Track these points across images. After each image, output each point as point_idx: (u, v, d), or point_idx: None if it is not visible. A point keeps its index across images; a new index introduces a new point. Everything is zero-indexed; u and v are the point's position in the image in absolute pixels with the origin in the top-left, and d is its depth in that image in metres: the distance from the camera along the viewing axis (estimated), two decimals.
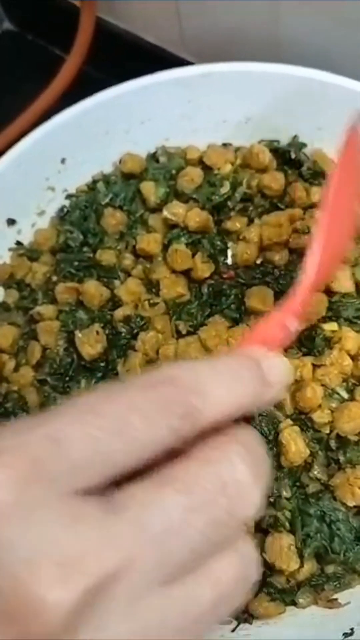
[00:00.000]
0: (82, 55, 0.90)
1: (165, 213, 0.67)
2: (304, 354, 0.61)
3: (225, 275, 0.65)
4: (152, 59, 0.91)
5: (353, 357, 0.60)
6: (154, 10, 0.87)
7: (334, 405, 0.59)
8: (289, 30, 0.77)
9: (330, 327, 0.62)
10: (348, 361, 0.60)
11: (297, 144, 0.72)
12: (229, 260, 0.67)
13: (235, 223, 0.68)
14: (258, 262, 0.66)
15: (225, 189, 0.68)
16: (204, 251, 0.66)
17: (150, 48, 0.92)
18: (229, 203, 0.69)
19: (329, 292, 0.63)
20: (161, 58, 0.91)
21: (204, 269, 0.64)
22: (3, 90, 0.97)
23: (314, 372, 0.60)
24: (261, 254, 0.67)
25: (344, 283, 0.63)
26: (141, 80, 0.71)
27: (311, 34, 0.75)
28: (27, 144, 0.69)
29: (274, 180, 0.69)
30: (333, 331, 0.61)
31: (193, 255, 0.66)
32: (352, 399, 0.59)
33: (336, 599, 0.55)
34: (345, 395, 0.59)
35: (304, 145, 0.72)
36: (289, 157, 0.71)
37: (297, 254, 0.66)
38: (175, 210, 0.67)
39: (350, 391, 0.60)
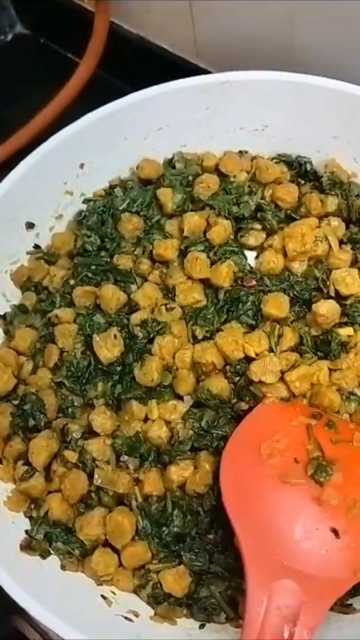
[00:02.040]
0: (96, 60, 0.90)
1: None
2: (320, 359, 0.62)
3: (248, 284, 0.65)
4: (165, 64, 0.92)
5: None
6: (168, 17, 0.88)
7: (352, 408, 0.59)
8: (303, 38, 0.78)
9: (345, 331, 0.62)
10: None
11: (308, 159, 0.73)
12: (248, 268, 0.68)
13: (256, 237, 0.69)
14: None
15: (247, 209, 0.69)
16: (225, 260, 0.66)
17: (164, 53, 0.92)
18: (245, 213, 0.69)
19: (340, 297, 0.64)
20: (174, 64, 0.92)
21: (225, 279, 0.65)
22: (16, 93, 0.98)
23: (331, 376, 0.61)
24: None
25: (352, 286, 0.64)
26: (160, 87, 0.72)
27: (325, 42, 0.76)
28: (47, 148, 0.70)
29: (288, 193, 0.70)
30: (349, 336, 0.62)
31: (211, 264, 0.66)
32: None
33: (351, 605, 0.55)
34: None
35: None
36: (304, 170, 0.72)
37: (314, 261, 0.67)
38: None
39: None
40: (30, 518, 0.60)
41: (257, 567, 0.50)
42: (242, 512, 0.52)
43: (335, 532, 0.51)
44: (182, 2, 0.83)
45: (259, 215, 0.70)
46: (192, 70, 0.89)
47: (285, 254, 0.67)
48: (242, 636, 0.48)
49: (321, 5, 0.72)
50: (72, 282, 0.69)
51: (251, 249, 0.69)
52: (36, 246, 0.73)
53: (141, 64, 0.93)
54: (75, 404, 0.64)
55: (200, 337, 0.64)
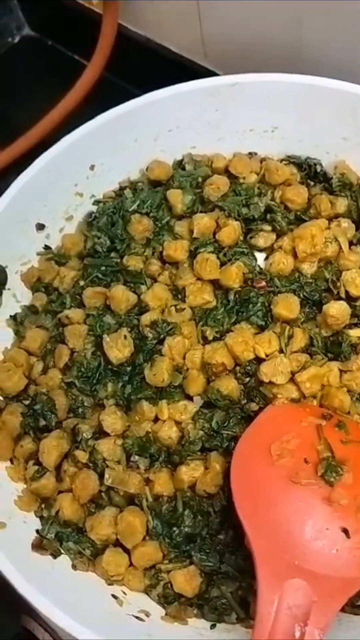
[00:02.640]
0: (103, 62, 0.91)
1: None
2: (330, 360, 0.62)
3: (257, 285, 0.65)
4: (173, 66, 0.92)
5: None
6: (175, 18, 0.88)
7: None
8: (311, 39, 0.78)
9: (356, 333, 0.63)
10: None
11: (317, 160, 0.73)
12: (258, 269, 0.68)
13: (265, 239, 0.69)
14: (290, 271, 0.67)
15: (257, 211, 0.69)
16: (235, 261, 0.66)
17: (171, 56, 0.93)
18: (255, 215, 0.70)
19: (350, 298, 0.64)
20: (182, 65, 0.92)
21: (235, 280, 0.65)
22: (23, 95, 0.98)
23: (341, 378, 0.61)
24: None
25: None
26: (170, 89, 0.72)
27: (334, 43, 0.76)
28: (57, 150, 0.70)
29: (298, 194, 0.70)
30: (359, 337, 0.62)
31: (221, 265, 0.67)
32: None
33: None
34: None
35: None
36: (314, 171, 0.72)
37: (324, 262, 0.67)
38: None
39: None
40: (41, 518, 0.61)
41: (268, 567, 0.50)
42: (253, 512, 0.52)
43: (345, 532, 0.51)
44: (189, 4, 0.83)
45: (268, 216, 0.70)
46: (199, 72, 0.89)
47: (295, 255, 0.67)
48: (253, 636, 0.48)
49: (330, 6, 0.72)
50: (82, 283, 0.69)
51: (261, 250, 0.70)
52: (46, 247, 0.73)
53: (149, 66, 0.93)
54: (86, 404, 0.64)
55: (210, 337, 0.65)
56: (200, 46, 0.90)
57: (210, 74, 0.87)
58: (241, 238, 0.69)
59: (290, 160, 0.73)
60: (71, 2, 0.97)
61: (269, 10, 0.77)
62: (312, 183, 0.72)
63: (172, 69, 0.92)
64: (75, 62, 1.03)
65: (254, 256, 0.69)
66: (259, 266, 0.68)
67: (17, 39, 1.08)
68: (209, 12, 0.84)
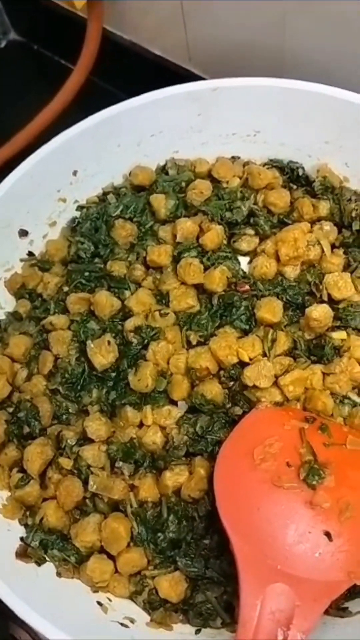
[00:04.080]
0: (89, 66, 0.91)
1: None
2: (313, 362, 0.62)
3: (241, 289, 0.65)
4: (158, 70, 0.92)
5: None
6: (160, 22, 0.88)
7: (346, 411, 0.60)
8: (294, 43, 0.78)
9: (339, 335, 0.63)
10: (358, 368, 0.61)
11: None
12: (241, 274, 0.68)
13: (249, 243, 0.69)
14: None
15: (240, 215, 0.69)
16: (218, 265, 0.67)
17: (156, 59, 0.93)
18: (238, 219, 0.70)
19: (333, 301, 0.64)
20: (167, 69, 0.92)
21: (218, 284, 0.65)
22: (9, 100, 0.98)
23: (324, 380, 0.61)
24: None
25: (344, 290, 0.64)
26: (152, 94, 0.72)
27: (317, 48, 0.77)
28: (40, 155, 0.70)
29: (280, 198, 0.70)
30: (342, 340, 0.62)
31: (205, 269, 0.67)
32: None
33: (347, 608, 0.55)
34: (357, 399, 0.60)
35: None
36: (296, 175, 0.72)
37: (306, 265, 0.67)
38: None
39: None
40: (26, 525, 0.61)
41: (250, 571, 0.50)
42: (236, 517, 0.52)
43: (328, 535, 0.51)
44: (174, 8, 0.84)
45: (251, 220, 0.70)
46: (184, 76, 0.89)
47: (278, 259, 0.67)
48: None
49: (313, 11, 0.72)
50: (66, 288, 0.69)
51: (244, 254, 0.70)
52: (30, 253, 0.73)
53: (134, 70, 0.93)
54: (70, 410, 0.64)
55: (194, 342, 0.65)
56: (185, 50, 0.90)
57: (195, 77, 0.87)
58: (224, 242, 0.69)
59: (273, 164, 0.74)
60: (57, 7, 0.97)
61: (252, 14, 0.78)
62: (294, 186, 0.73)
63: (157, 72, 0.92)
64: (61, 66, 1.03)
65: (237, 260, 0.69)
66: (242, 270, 0.69)
67: (3, 44, 1.08)
68: (194, 16, 0.84)
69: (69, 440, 0.62)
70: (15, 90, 1.00)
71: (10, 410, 0.65)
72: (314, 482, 0.53)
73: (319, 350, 0.62)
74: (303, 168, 0.73)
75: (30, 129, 0.88)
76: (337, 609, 0.55)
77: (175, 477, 0.59)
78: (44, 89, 0.90)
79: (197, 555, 0.57)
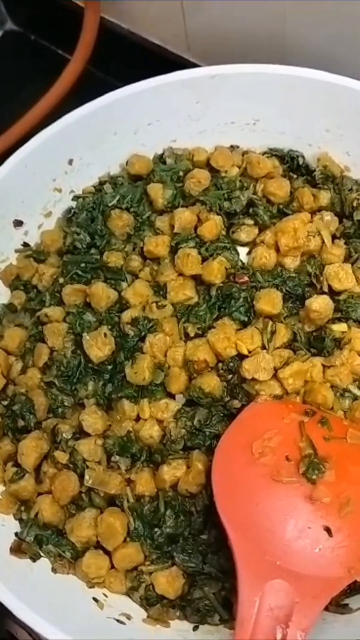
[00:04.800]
0: (86, 56, 0.89)
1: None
2: (313, 355, 0.61)
3: (240, 280, 0.64)
4: (157, 59, 0.91)
5: None
6: (159, 11, 0.87)
7: (346, 405, 0.59)
8: (295, 31, 0.77)
9: (339, 327, 0.62)
10: (359, 361, 0.60)
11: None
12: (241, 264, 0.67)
13: (248, 233, 0.68)
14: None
15: (239, 204, 0.68)
16: (217, 256, 0.65)
17: (155, 48, 0.91)
18: (237, 209, 0.69)
19: (333, 292, 0.63)
20: (165, 58, 0.90)
21: (217, 275, 0.64)
22: (6, 90, 0.97)
23: (324, 373, 0.60)
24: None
25: (345, 282, 0.63)
26: (149, 82, 0.71)
27: (317, 35, 0.75)
28: (35, 144, 0.69)
29: (280, 187, 0.69)
30: (343, 332, 0.61)
31: (203, 260, 0.65)
32: None
33: (347, 604, 0.54)
34: (358, 392, 0.59)
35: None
36: (297, 164, 0.71)
37: (306, 256, 0.66)
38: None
39: None
40: (20, 520, 0.60)
41: (249, 568, 0.49)
42: (234, 512, 0.51)
43: (328, 530, 0.50)
44: None
45: (250, 210, 0.69)
46: (183, 65, 0.87)
47: (277, 250, 0.66)
48: (234, 638, 0.47)
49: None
50: (61, 280, 0.68)
51: (243, 244, 0.69)
52: (25, 244, 0.72)
53: (132, 60, 0.92)
54: (66, 403, 0.63)
55: (192, 334, 0.63)
56: (184, 39, 0.89)
57: (194, 67, 0.85)
58: (223, 232, 0.68)
59: (272, 152, 0.72)
60: None
61: (252, 2, 0.76)
62: (294, 176, 0.71)
63: (155, 62, 0.90)
64: (59, 56, 1.01)
65: (236, 251, 0.68)
66: (241, 261, 0.67)
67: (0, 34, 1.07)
68: (193, 5, 0.83)
69: (64, 434, 0.61)
70: (12, 80, 0.99)
71: (5, 403, 0.64)
72: (314, 477, 0.52)
73: (319, 343, 0.61)
74: (303, 157, 0.72)
75: (27, 119, 0.87)
76: (337, 605, 0.54)
77: (172, 471, 0.58)
78: (41, 79, 0.89)
79: (195, 550, 0.57)
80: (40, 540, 0.58)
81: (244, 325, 0.63)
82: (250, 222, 0.69)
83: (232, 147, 0.74)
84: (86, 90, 0.86)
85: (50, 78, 0.87)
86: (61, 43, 1.00)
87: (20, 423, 0.62)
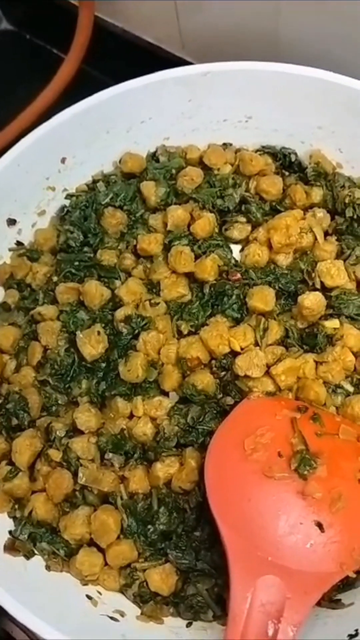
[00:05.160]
0: (81, 55, 0.89)
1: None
2: (306, 351, 0.61)
3: (232, 278, 0.64)
4: (151, 58, 0.91)
5: (356, 354, 0.60)
6: (153, 10, 0.87)
7: (338, 401, 0.59)
8: (288, 28, 0.77)
9: (332, 324, 0.62)
10: (351, 357, 0.60)
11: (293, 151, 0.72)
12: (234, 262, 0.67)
13: (240, 230, 0.68)
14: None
15: (232, 202, 0.68)
16: (210, 254, 0.65)
17: (149, 47, 0.91)
18: (230, 206, 0.69)
19: (325, 289, 0.63)
20: (159, 57, 0.91)
21: (210, 272, 0.64)
22: (2, 90, 0.97)
23: (317, 369, 0.60)
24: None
25: (337, 278, 0.63)
26: (142, 79, 0.71)
27: (311, 33, 0.75)
28: (27, 143, 0.69)
29: (272, 185, 0.69)
30: (335, 328, 0.61)
31: (196, 258, 0.65)
32: (357, 392, 0.59)
33: (340, 600, 0.54)
34: (350, 388, 0.59)
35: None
36: (289, 161, 0.71)
37: (299, 253, 0.66)
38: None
39: (356, 385, 0.60)
40: (14, 518, 0.60)
41: (241, 564, 0.49)
42: (226, 508, 0.51)
43: (320, 526, 0.50)
44: None
45: (243, 207, 0.69)
46: (178, 63, 0.87)
47: (270, 247, 0.66)
48: (225, 634, 0.47)
49: None
50: (55, 278, 0.68)
51: (236, 242, 0.69)
52: (18, 243, 0.72)
53: (127, 58, 0.92)
54: (59, 402, 0.63)
55: (185, 332, 0.64)
56: (178, 37, 0.89)
57: (188, 65, 0.86)
58: (216, 230, 0.68)
59: (265, 150, 0.72)
60: None
61: (246, 1, 0.76)
62: (287, 173, 0.71)
63: (149, 60, 0.90)
64: (54, 55, 1.02)
65: (229, 248, 0.68)
66: (234, 258, 0.67)
67: None
68: (186, 4, 0.83)
69: (58, 432, 0.61)
70: (6, 79, 0.99)
71: None
72: (306, 472, 0.52)
73: (311, 339, 0.61)
74: (296, 154, 0.72)
75: (22, 119, 0.87)
76: (329, 600, 0.54)
77: (166, 468, 0.58)
78: (36, 78, 0.89)
79: (188, 547, 0.57)
80: (34, 538, 0.58)
81: (236, 322, 0.63)
82: (243, 219, 0.69)
83: (225, 145, 0.74)
84: (81, 89, 0.85)
85: (45, 77, 0.88)
86: (56, 42, 1.00)
87: (14, 421, 0.62)
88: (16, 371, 0.65)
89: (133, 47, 0.92)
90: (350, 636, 0.51)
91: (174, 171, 0.71)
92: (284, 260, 0.65)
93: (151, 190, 0.70)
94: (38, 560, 0.58)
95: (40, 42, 1.04)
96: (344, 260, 0.64)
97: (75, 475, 0.59)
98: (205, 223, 0.67)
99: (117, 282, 0.67)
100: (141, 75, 0.72)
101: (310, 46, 0.76)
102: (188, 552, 0.56)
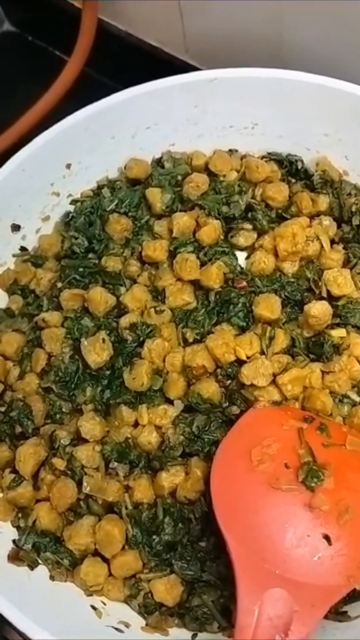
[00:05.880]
0: (84, 57, 0.89)
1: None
2: (312, 361, 0.61)
3: (238, 285, 0.64)
4: (154, 61, 0.91)
5: None
6: (156, 13, 0.87)
7: (345, 411, 0.59)
8: (293, 34, 0.77)
9: (338, 333, 0.61)
10: (358, 367, 0.60)
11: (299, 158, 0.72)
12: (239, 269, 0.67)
13: (246, 238, 0.68)
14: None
15: (238, 209, 0.68)
16: (215, 261, 0.65)
17: (152, 50, 0.91)
18: (235, 213, 0.68)
19: (332, 297, 0.63)
20: (163, 60, 0.90)
21: (215, 280, 0.64)
22: (4, 92, 0.96)
23: (323, 379, 0.60)
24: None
25: (344, 287, 0.63)
26: (147, 86, 0.70)
27: (315, 39, 0.75)
28: (32, 148, 0.69)
29: (279, 192, 0.69)
30: (341, 337, 0.61)
31: (201, 265, 0.65)
32: None
33: (346, 612, 0.54)
34: (357, 398, 0.59)
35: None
36: (295, 168, 0.71)
37: (305, 261, 0.66)
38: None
39: None
40: (18, 528, 0.59)
41: (248, 576, 0.48)
42: (233, 520, 0.51)
43: (327, 538, 0.50)
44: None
45: (249, 215, 0.69)
46: (181, 67, 0.88)
47: (276, 254, 0.66)
48: None
49: (312, 2, 0.70)
50: (59, 284, 0.68)
51: (242, 249, 0.69)
52: (22, 248, 0.72)
53: (130, 62, 0.92)
54: (64, 409, 0.63)
55: (190, 340, 0.63)
56: (182, 41, 0.88)
57: (192, 69, 0.86)
58: (221, 237, 0.68)
59: (271, 157, 0.72)
60: None
61: (251, 4, 0.76)
62: (293, 180, 0.71)
63: (153, 64, 0.90)
64: (56, 57, 1.01)
65: (234, 255, 0.68)
66: (239, 266, 0.67)
67: None
68: (191, 7, 0.82)
69: (62, 440, 0.60)
70: (8, 82, 0.98)
71: (3, 409, 0.64)
72: (313, 484, 0.52)
73: (318, 348, 0.61)
74: (302, 161, 0.71)
75: (23, 121, 0.86)
76: (336, 613, 0.54)
77: (171, 478, 0.58)
78: (38, 80, 0.88)
79: (193, 558, 0.56)
80: (38, 547, 0.58)
81: (242, 330, 0.63)
82: (249, 226, 0.68)
83: (231, 151, 0.74)
84: (84, 91, 0.86)
85: (48, 79, 0.87)
86: (59, 44, 1.00)
87: (18, 429, 0.62)
88: (20, 378, 0.65)
89: (136, 50, 0.92)
90: None
91: (179, 177, 0.71)
92: (290, 268, 0.65)
93: (156, 197, 0.69)
94: (42, 570, 0.57)
95: (43, 43, 1.04)
96: (351, 269, 0.64)
97: (79, 484, 0.59)
98: (211, 230, 0.67)
99: (122, 289, 0.66)
100: (144, 78, 0.72)
101: (315, 51, 0.75)
102: (193, 562, 0.56)
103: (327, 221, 0.66)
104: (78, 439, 0.60)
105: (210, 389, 0.60)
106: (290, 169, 0.71)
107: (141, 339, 0.63)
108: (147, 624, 0.56)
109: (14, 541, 0.58)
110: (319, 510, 0.51)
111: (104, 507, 0.58)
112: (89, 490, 0.58)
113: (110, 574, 0.57)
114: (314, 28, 0.74)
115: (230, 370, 0.61)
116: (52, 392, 0.63)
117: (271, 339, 0.61)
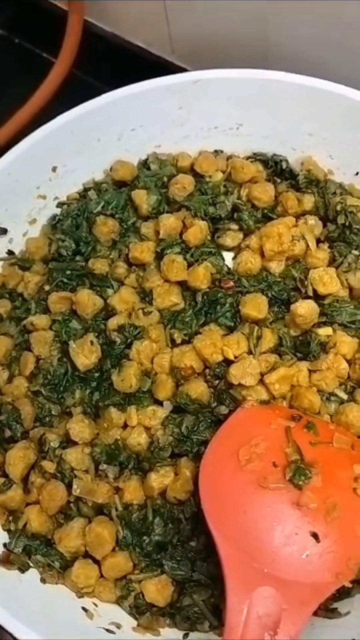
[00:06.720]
0: (71, 59, 0.89)
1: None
2: (299, 359, 0.61)
3: (225, 286, 0.64)
4: (140, 62, 0.91)
5: (349, 361, 0.61)
6: (142, 14, 0.86)
7: (332, 409, 0.59)
8: (278, 34, 0.77)
9: (325, 331, 0.62)
10: (344, 365, 0.60)
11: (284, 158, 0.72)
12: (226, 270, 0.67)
13: (233, 238, 0.68)
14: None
15: (224, 210, 0.68)
16: (202, 262, 0.65)
17: (138, 51, 0.91)
18: (222, 214, 0.69)
19: (318, 296, 0.63)
20: (149, 61, 0.90)
21: (202, 280, 0.64)
22: None
23: (310, 377, 0.60)
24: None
25: (330, 286, 0.63)
26: (132, 87, 0.71)
27: (300, 39, 0.75)
28: (18, 151, 0.69)
29: (264, 192, 0.69)
30: (328, 336, 0.61)
31: (188, 266, 0.65)
32: (351, 400, 0.60)
33: (336, 609, 0.55)
34: (344, 396, 0.59)
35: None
36: (280, 168, 0.71)
37: (291, 260, 0.66)
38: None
39: (350, 392, 0.60)
40: (9, 531, 0.59)
41: (236, 576, 0.49)
42: (222, 519, 0.51)
43: (315, 536, 0.50)
44: (156, 0, 0.82)
45: (235, 215, 0.69)
46: (168, 68, 0.88)
47: (262, 254, 0.66)
48: None
49: (295, 2, 0.71)
50: (47, 287, 0.68)
51: (228, 249, 0.69)
52: (9, 252, 0.72)
53: (117, 63, 0.92)
54: (53, 412, 0.63)
55: (178, 340, 0.63)
56: (168, 42, 0.89)
57: (179, 70, 0.86)
58: (208, 238, 0.68)
59: (257, 157, 0.72)
60: (38, 0, 0.95)
61: (236, 5, 0.76)
62: (278, 180, 0.71)
63: (140, 65, 0.90)
64: (43, 59, 1.01)
65: (221, 256, 0.68)
66: (226, 266, 0.67)
67: None
68: (176, 8, 0.83)
69: (51, 443, 0.60)
70: None
71: None
72: (300, 482, 0.52)
73: (304, 347, 0.61)
74: (287, 161, 0.72)
75: (10, 124, 0.86)
76: (325, 610, 0.54)
77: (160, 478, 0.58)
78: (25, 82, 0.88)
79: (184, 558, 0.57)
80: (29, 550, 0.58)
81: (230, 330, 0.63)
82: (235, 227, 0.69)
83: (216, 152, 0.74)
84: (71, 93, 0.85)
85: (34, 81, 0.87)
86: (45, 46, 0.99)
87: (7, 433, 0.62)
88: (8, 382, 0.65)
89: (123, 51, 0.92)
90: None
91: (165, 179, 0.71)
92: (276, 267, 0.65)
93: (143, 199, 0.69)
94: (33, 573, 0.58)
95: (29, 45, 1.03)
96: (337, 268, 0.64)
97: (69, 486, 0.59)
98: (197, 231, 0.67)
99: (110, 291, 0.66)
100: (131, 79, 0.72)
101: (300, 51, 0.76)
102: (184, 562, 0.56)
103: (312, 220, 0.67)
104: (67, 442, 0.60)
105: (198, 389, 0.60)
106: (276, 169, 0.72)
107: (129, 340, 0.63)
108: (138, 625, 0.56)
109: (4, 544, 0.58)
110: (306, 508, 0.51)
111: (94, 509, 0.59)
112: (78, 492, 0.58)
113: (101, 576, 0.57)
114: (299, 28, 0.75)
115: (218, 370, 0.61)
116: (41, 395, 0.63)
117: (258, 338, 0.61)
